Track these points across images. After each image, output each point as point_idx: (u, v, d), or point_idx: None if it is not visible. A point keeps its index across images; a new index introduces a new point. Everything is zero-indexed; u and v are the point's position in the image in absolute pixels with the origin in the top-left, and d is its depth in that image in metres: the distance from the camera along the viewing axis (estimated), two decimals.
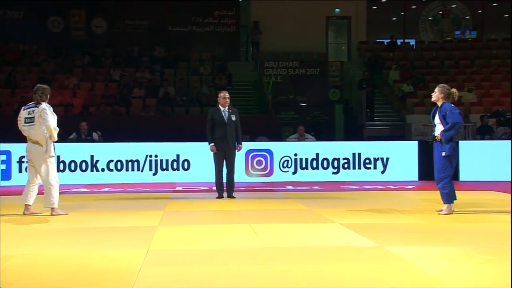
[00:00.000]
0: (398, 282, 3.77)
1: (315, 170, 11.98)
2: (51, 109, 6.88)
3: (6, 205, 7.62)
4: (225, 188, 8.77)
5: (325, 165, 12.04)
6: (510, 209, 6.50)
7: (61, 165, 11.43)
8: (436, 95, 6.86)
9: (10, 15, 19.28)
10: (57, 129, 6.86)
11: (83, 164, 11.54)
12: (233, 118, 8.68)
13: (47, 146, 6.77)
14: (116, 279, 3.88)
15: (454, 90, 6.92)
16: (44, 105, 6.80)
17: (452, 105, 6.82)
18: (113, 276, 3.97)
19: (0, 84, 16.30)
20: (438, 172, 6.78)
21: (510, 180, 9.97)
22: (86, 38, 19.56)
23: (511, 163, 11.19)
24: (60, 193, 9.61)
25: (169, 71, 17.93)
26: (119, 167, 11.63)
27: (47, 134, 6.75)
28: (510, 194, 7.59)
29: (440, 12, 22.52)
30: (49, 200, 6.84)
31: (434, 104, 6.97)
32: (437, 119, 6.84)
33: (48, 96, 6.97)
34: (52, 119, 6.79)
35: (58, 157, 11.42)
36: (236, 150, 8.75)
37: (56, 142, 6.95)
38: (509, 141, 11.94)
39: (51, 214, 6.82)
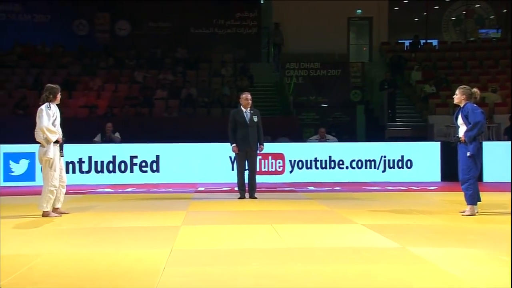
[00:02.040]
0: (421, 284, 3.74)
1: (337, 170, 11.93)
2: (53, 109, 6.72)
3: (33, 204, 7.74)
4: (246, 189, 8.79)
5: (346, 167, 11.98)
6: None
7: (86, 165, 11.58)
8: (458, 97, 6.80)
9: (37, 19, 19.61)
10: (52, 130, 6.68)
11: (110, 164, 11.66)
12: (255, 119, 8.69)
13: (46, 148, 6.72)
14: (140, 278, 3.92)
15: (475, 89, 6.85)
16: (43, 105, 6.72)
17: (475, 105, 6.75)
18: (138, 275, 4.01)
19: (27, 86, 16.57)
20: (463, 173, 6.70)
21: (510, 180, 9.85)
22: (110, 41, 19.78)
23: (511, 164, 11.04)
24: (85, 193, 9.78)
25: (191, 73, 18.02)
26: (141, 168, 11.72)
27: (43, 136, 6.69)
28: (510, 193, 7.48)
29: (464, 12, 22.21)
30: (40, 202, 6.80)
31: (457, 104, 6.90)
32: (460, 120, 6.78)
33: (58, 96, 6.84)
34: (45, 120, 6.63)
35: (82, 158, 11.57)
36: (258, 151, 8.78)
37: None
38: None
39: (43, 216, 6.75)
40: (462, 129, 6.75)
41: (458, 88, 6.88)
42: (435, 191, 10.25)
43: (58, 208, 6.96)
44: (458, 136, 6.80)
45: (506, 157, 11.88)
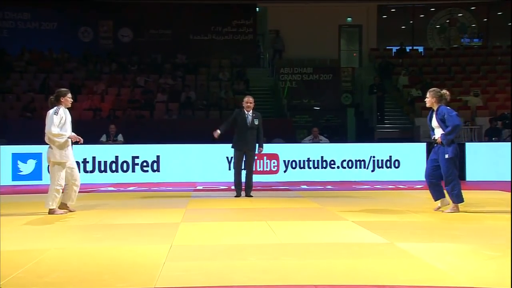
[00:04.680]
0: (408, 277, 3.74)
1: (328, 170, 11.94)
2: (60, 113, 6.59)
3: (40, 202, 7.71)
4: (243, 188, 8.78)
5: (337, 167, 11.99)
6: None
7: (90, 165, 11.54)
8: (429, 100, 6.66)
9: (44, 26, 19.57)
10: (57, 133, 6.55)
11: (113, 164, 11.62)
12: (256, 122, 8.67)
13: (54, 149, 6.66)
14: (142, 272, 3.91)
15: (445, 91, 6.70)
16: (52, 109, 6.63)
17: (448, 107, 6.63)
18: (140, 269, 4.00)
19: (35, 90, 16.51)
20: (445, 175, 6.62)
21: (510, 180, 9.83)
22: (114, 47, 19.75)
23: (511, 164, 11.04)
24: (89, 191, 9.75)
25: (190, 77, 18.00)
26: (142, 168, 11.69)
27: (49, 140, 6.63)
28: (510, 193, 7.48)
29: (447, 21, 22.29)
30: (46, 200, 6.75)
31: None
32: (434, 123, 6.65)
33: (65, 99, 6.68)
34: (50, 124, 6.50)
35: (86, 158, 11.54)
36: (258, 152, 8.79)
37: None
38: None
39: (48, 213, 6.71)
40: (437, 132, 6.64)
41: (428, 91, 6.71)
42: (421, 190, 10.26)
43: (67, 205, 6.88)
44: (434, 138, 6.71)
45: (488, 157, 11.94)
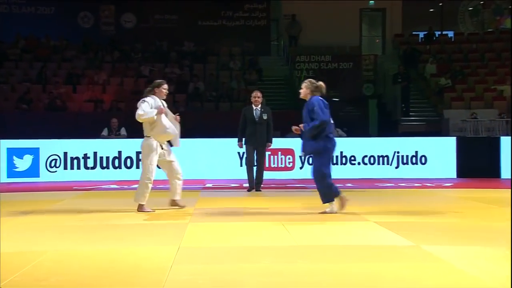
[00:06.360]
0: (436, 282, 3.74)
1: (348, 166, 11.92)
2: (149, 100, 6.78)
3: (38, 200, 7.80)
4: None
5: (357, 163, 11.96)
6: None
7: (91, 161, 11.63)
8: (304, 91, 6.77)
9: (41, 11, 19.69)
10: (142, 113, 6.71)
11: (116, 160, 11.71)
12: (264, 117, 9.01)
13: (145, 140, 6.95)
14: (148, 276, 3.94)
15: (321, 83, 6.78)
16: (142, 99, 6.84)
17: (321, 99, 6.65)
18: (145, 273, 4.03)
19: (31, 80, 16.65)
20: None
21: (510, 178, 9.79)
22: (116, 33, 19.82)
23: (511, 162, 10.96)
24: (90, 189, 9.84)
25: (198, 66, 18.04)
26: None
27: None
28: (510, 192, 7.43)
29: (481, 2, 22.02)
30: (136, 195, 6.96)
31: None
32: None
33: (157, 89, 6.91)
34: (140, 109, 6.71)
35: (87, 153, 11.64)
36: (266, 148, 9.10)
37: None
38: None
39: (137, 210, 6.89)
40: None
41: (303, 82, 6.85)
42: (450, 188, 10.21)
43: (175, 200, 7.04)
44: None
45: None
